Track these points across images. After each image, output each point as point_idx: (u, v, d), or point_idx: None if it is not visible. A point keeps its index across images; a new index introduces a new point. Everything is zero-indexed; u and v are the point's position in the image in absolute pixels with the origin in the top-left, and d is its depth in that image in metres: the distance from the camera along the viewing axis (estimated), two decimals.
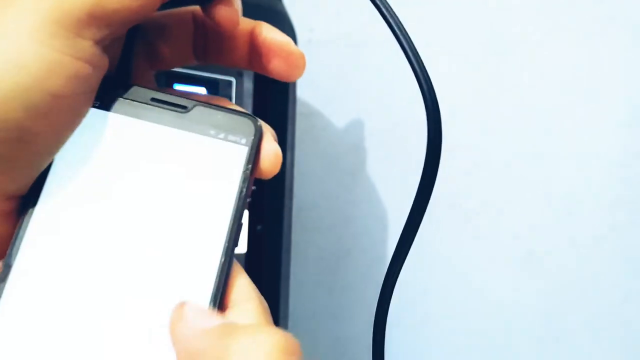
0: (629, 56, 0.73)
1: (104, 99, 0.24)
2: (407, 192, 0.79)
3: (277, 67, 0.27)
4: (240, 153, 0.25)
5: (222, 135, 0.25)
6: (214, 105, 0.25)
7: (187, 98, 0.25)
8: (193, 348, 0.20)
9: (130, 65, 0.26)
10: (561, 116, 0.75)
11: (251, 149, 0.25)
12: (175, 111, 0.25)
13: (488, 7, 0.74)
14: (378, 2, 0.26)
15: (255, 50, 0.27)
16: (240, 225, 0.24)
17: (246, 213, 0.25)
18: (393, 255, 0.29)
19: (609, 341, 0.77)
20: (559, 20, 0.74)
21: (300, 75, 0.27)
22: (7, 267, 0.22)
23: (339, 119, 0.77)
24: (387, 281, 0.29)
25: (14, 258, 0.22)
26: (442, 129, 0.25)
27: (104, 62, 0.23)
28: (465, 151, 0.75)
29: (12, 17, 0.20)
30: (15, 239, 0.22)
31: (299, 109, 0.62)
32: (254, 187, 0.25)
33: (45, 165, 0.22)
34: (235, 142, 0.25)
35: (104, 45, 0.22)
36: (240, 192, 0.24)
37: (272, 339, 0.20)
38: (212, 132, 0.25)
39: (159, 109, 0.24)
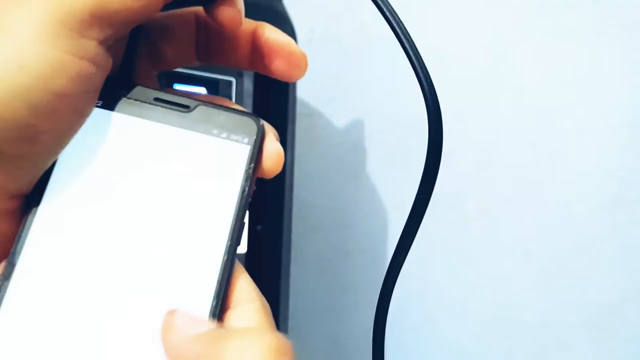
0: (629, 56, 0.73)
1: (107, 99, 0.24)
2: (407, 192, 0.79)
3: (279, 68, 0.27)
4: (242, 152, 0.25)
5: (224, 135, 0.25)
6: (217, 104, 0.25)
7: (189, 98, 0.25)
8: (186, 355, 0.20)
9: (133, 66, 0.26)
10: (561, 116, 0.75)
11: (253, 148, 0.25)
12: (178, 111, 0.25)
13: (489, 7, 0.74)
14: (380, 3, 0.26)
15: (257, 50, 0.27)
16: (242, 224, 0.24)
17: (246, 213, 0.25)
18: (393, 255, 0.29)
19: (609, 341, 0.77)
20: (560, 20, 0.74)
21: (302, 75, 0.27)
22: (11, 266, 0.22)
23: (339, 119, 0.77)
24: (387, 281, 0.29)
25: (18, 257, 0.22)
26: (443, 129, 0.25)
27: (108, 62, 0.23)
28: (466, 151, 0.75)
29: (16, 17, 0.20)
30: (19, 237, 0.22)
31: (299, 109, 0.62)
32: (254, 187, 0.25)
33: (49, 165, 0.23)
34: (237, 141, 0.25)
35: (108, 45, 0.22)
36: (243, 191, 0.24)
37: (264, 340, 0.20)
38: (214, 131, 0.25)
39: (162, 108, 0.25)
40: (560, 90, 0.74)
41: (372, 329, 0.31)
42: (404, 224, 0.29)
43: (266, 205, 0.52)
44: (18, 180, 0.22)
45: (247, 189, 0.24)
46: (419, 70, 0.25)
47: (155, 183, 0.24)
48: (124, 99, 0.24)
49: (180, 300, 0.22)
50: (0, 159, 0.21)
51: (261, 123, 0.25)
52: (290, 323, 0.59)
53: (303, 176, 0.76)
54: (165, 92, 0.25)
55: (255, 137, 0.25)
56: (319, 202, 0.79)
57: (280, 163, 0.25)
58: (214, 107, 0.25)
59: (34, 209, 0.22)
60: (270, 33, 0.27)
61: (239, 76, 0.50)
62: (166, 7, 0.24)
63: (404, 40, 0.25)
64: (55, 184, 0.23)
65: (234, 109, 0.26)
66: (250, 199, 0.25)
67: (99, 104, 0.24)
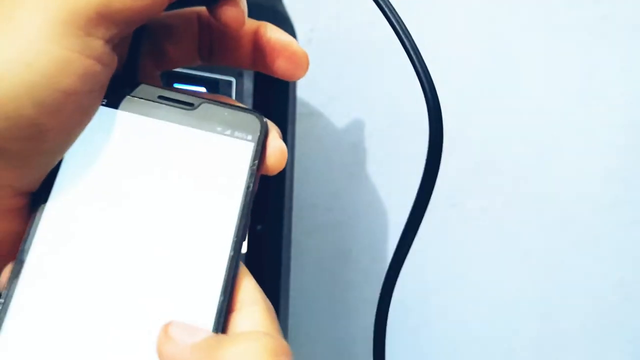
0: (629, 56, 0.73)
1: (112, 97, 0.24)
2: (407, 192, 0.79)
3: (281, 67, 0.27)
4: (246, 149, 0.25)
5: (228, 132, 0.25)
6: (221, 102, 0.26)
7: (193, 95, 0.25)
8: None
9: (137, 64, 0.26)
10: (561, 116, 0.75)
11: (257, 145, 0.25)
12: (182, 108, 0.25)
13: (489, 7, 0.74)
14: (381, 3, 0.26)
15: (259, 50, 0.27)
16: (247, 221, 0.24)
17: None
18: (394, 255, 0.29)
19: (609, 341, 0.77)
20: (560, 20, 0.74)
21: (303, 74, 0.28)
22: (20, 263, 0.22)
23: (339, 119, 0.77)
24: (388, 280, 0.29)
25: (27, 254, 0.22)
26: (443, 129, 0.25)
27: (113, 61, 0.23)
28: (466, 151, 0.75)
29: (23, 16, 0.21)
30: (27, 235, 0.22)
31: (299, 109, 0.62)
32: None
33: (56, 162, 0.23)
34: (241, 138, 0.25)
35: (113, 44, 0.23)
36: (247, 187, 0.24)
37: (262, 343, 0.20)
38: (218, 128, 0.25)
39: (167, 106, 0.25)
40: (560, 90, 0.74)
41: (372, 329, 0.31)
42: (404, 224, 0.29)
43: (266, 205, 0.52)
44: (25, 178, 0.22)
45: (251, 185, 0.24)
46: (420, 70, 0.25)
47: (160, 180, 0.24)
48: (128, 97, 0.25)
49: (187, 296, 0.23)
50: (8, 157, 0.21)
51: (264, 120, 0.26)
52: (290, 323, 0.59)
53: (303, 176, 0.76)
54: (170, 90, 0.25)
55: (259, 134, 0.25)
56: (319, 202, 0.78)
57: (283, 160, 0.26)
58: (218, 105, 0.25)
59: (41, 207, 0.23)
60: (272, 33, 0.27)
61: (239, 76, 0.50)
62: (170, 7, 0.24)
63: (405, 40, 0.25)
64: (62, 182, 0.23)
65: (237, 107, 0.26)
66: (254, 196, 0.25)
67: (104, 103, 0.24)
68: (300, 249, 0.76)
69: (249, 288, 0.24)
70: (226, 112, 0.25)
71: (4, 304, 0.21)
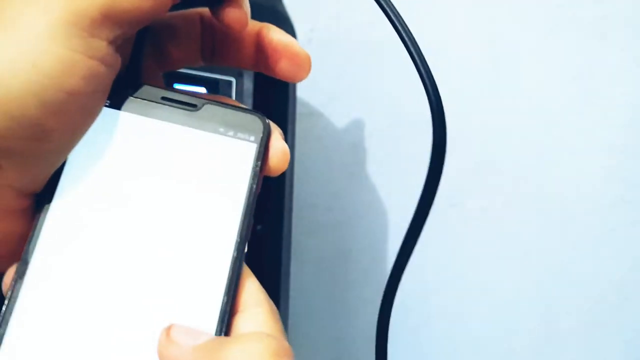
0: (629, 56, 0.73)
1: (116, 98, 0.24)
2: (407, 192, 0.79)
3: (283, 68, 0.27)
4: (249, 150, 0.25)
5: (231, 133, 0.25)
6: (223, 103, 0.26)
7: (197, 97, 0.26)
8: None
9: (140, 65, 0.26)
10: (561, 116, 0.75)
11: (260, 146, 0.25)
12: (186, 109, 0.25)
13: (489, 6, 0.74)
14: (383, 3, 0.26)
15: (261, 51, 0.27)
16: (251, 221, 0.24)
17: None
18: (396, 259, 0.29)
19: (608, 341, 0.77)
20: (560, 20, 0.74)
21: (305, 76, 0.28)
22: (25, 263, 0.22)
23: (339, 119, 0.77)
24: (391, 281, 0.29)
25: (31, 255, 0.22)
26: (446, 130, 0.25)
27: (117, 62, 0.23)
28: (466, 151, 0.75)
29: (29, 17, 0.21)
30: (32, 236, 0.22)
31: (299, 109, 0.62)
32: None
33: (60, 163, 0.23)
34: (244, 139, 0.25)
35: (117, 45, 0.23)
36: (250, 188, 0.24)
37: (262, 344, 0.20)
38: (221, 129, 0.25)
39: (170, 107, 0.25)
40: (560, 90, 0.74)
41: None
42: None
43: (266, 205, 0.52)
44: (29, 178, 0.22)
45: (254, 186, 0.24)
46: (423, 71, 0.25)
47: (163, 182, 0.24)
48: (131, 98, 0.25)
49: (190, 298, 0.23)
50: (12, 157, 0.21)
51: (267, 121, 0.26)
52: (290, 323, 0.59)
53: (303, 176, 0.76)
54: (173, 91, 0.25)
55: (261, 135, 0.25)
56: (319, 202, 0.78)
57: (286, 161, 0.26)
58: (220, 106, 0.26)
59: (45, 208, 0.23)
60: (274, 34, 0.27)
61: (239, 76, 0.50)
62: (173, 8, 0.24)
63: (408, 42, 0.25)
64: (66, 183, 0.23)
65: (240, 108, 0.26)
66: (257, 197, 0.25)
67: (107, 104, 0.24)
68: (300, 249, 0.76)
69: (252, 289, 0.24)
70: (229, 113, 0.25)
71: (8, 304, 0.22)
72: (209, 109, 0.25)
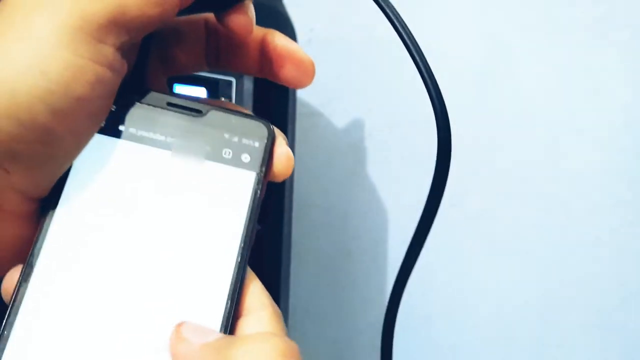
0: (629, 56, 0.73)
1: (122, 103, 0.24)
2: (407, 191, 0.79)
3: (287, 74, 0.28)
4: (254, 156, 0.25)
5: (236, 139, 0.25)
6: (228, 109, 0.26)
7: (202, 103, 0.26)
8: None
9: (145, 71, 0.26)
10: (561, 116, 0.75)
11: (264, 151, 0.25)
12: (191, 115, 0.25)
13: (489, 6, 0.74)
14: (382, 4, 0.26)
15: (266, 57, 0.28)
16: (255, 226, 0.24)
17: None
18: (402, 264, 0.29)
19: (609, 341, 0.77)
20: (560, 19, 0.74)
21: (310, 82, 0.28)
22: (30, 267, 0.22)
23: (339, 119, 0.77)
24: (398, 284, 0.29)
25: (36, 259, 0.22)
26: (451, 134, 0.25)
27: (123, 67, 0.23)
28: (466, 151, 0.75)
29: (37, 23, 0.21)
30: (37, 240, 0.22)
31: (299, 109, 0.62)
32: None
33: (65, 168, 0.23)
34: (249, 145, 0.25)
35: (124, 50, 0.23)
36: (254, 193, 0.25)
37: (272, 344, 0.20)
38: (226, 135, 0.25)
39: (175, 113, 0.25)
40: (560, 90, 0.74)
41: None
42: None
43: (266, 205, 0.52)
44: (36, 183, 0.22)
45: (258, 192, 0.25)
46: (426, 75, 0.25)
47: (168, 188, 0.24)
48: (137, 103, 0.25)
49: (194, 302, 0.23)
50: (20, 162, 0.21)
51: (272, 127, 0.26)
52: (290, 323, 0.59)
53: (303, 176, 0.76)
54: (178, 97, 0.26)
55: (266, 141, 0.25)
56: (319, 202, 0.78)
57: (290, 166, 0.26)
58: (226, 112, 0.26)
59: (51, 212, 0.23)
60: (279, 40, 0.27)
61: (239, 76, 0.50)
62: (179, 13, 0.24)
63: (410, 45, 0.25)
64: (72, 188, 0.23)
65: (245, 114, 0.26)
66: (261, 202, 0.25)
67: (113, 109, 0.24)
68: (300, 249, 0.76)
69: (256, 293, 0.24)
70: (234, 119, 0.25)
71: (12, 307, 0.22)
72: (214, 115, 0.25)
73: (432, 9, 0.75)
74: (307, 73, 0.28)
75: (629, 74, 0.74)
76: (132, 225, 0.23)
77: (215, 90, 0.49)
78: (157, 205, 0.24)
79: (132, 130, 0.24)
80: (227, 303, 0.23)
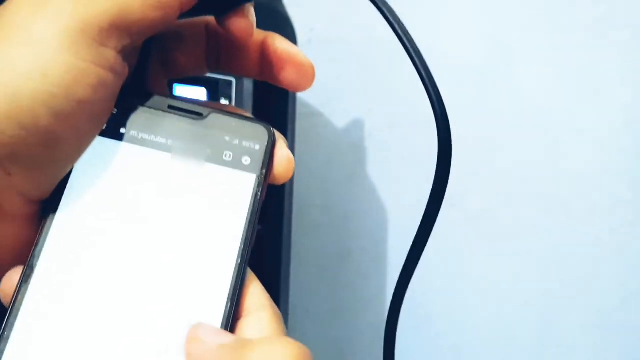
0: (629, 56, 0.73)
1: (122, 106, 0.25)
2: (407, 191, 0.79)
3: (287, 77, 0.28)
4: (254, 158, 0.25)
5: (236, 141, 0.25)
6: (229, 112, 0.26)
7: (202, 106, 0.26)
8: None
9: (146, 73, 0.26)
10: (561, 116, 0.75)
11: (265, 154, 0.25)
12: (192, 118, 0.25)
13: (489, 7, 0.74)
14: (380, 5, 0.26)
15: (266, 60, 0.28)
16: (255, 228, 0.25)
17: None
18: (403, 266, 0.29)
19: (609, 341, 0.77)
20: (560, 20, 0.74)
21: (309, 85, 0.28)
22: (30, 269, 0.22)
23: (339, 119, 0.77)
24: (398, 288, 0.29)
25: (37, 261, 0.22)
26: (451, 137, 0.25)
27: (125, 70, 0.23)
28: (466, 151, 0.75)
29: (39, 26, 0.21)
30: (38, 242, 0.23)
31: (299, 109, 0.62)
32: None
33: (67, 171, 0.23)
34: (249, 147, 0.25)
35: (125, 53, 0.23)
36: (255, 196, 0.25)
37: (287, 349, 0.21)
38: (227, 138, 0.25)
39: (176, 116, 0.25)
40: (560, 90, 0.74)
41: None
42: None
43: (266, 205, 0.52)
44: (38, 185, 0.22)
45: (259, 194, 0.25)
46: (425, 76, 0.25)
47: (168, 190, 0.24)
48: (138, 106, 0.25)
49: (195, 304, 0.23)
50: (22, 164, 0.21)
51: (272, 130, 0.26)
52: (290, 323, 0.59)
53: (303, 176, 0.76)
54: (179, 99, 0.26)
55: (266, 143, 0.26)
56: (319, 202, 0.79)
57: (291, 169, 0.26)
58: (226, 115, 0.26)
59: (52, 215, 0.23)
60: (279, 43, 0.27)
61: (239, 76, 0.50)
62: (180, 17, 0.24)
63: (411, 50, 0.25)
64: (73, 191, 0.23)
65: (246, 117, 0.26)
66: (262, 204, 0.25)
67: (114, 112, 0.24)
68: (300, 249, 0.76)
69: (256, 294, 0.24)
70: (234, 122, 0.26)
71: (13, 309, 0.22)
72: (215, 118, 0.26)
73: (432, 9, 0.75)
74: (307, 76, 0.28)
75: (629, 74, 0.74)
76: (133, 227, 0.23)
77: (216, 90, 0.49)
78: (158, 207, 0.24)
79: (133, 132, 0.25)
80: (227, 304, 0.23)
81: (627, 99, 0.74)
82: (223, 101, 0.48)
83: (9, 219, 0.23)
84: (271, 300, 0.24)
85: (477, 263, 0.77)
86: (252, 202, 0.25)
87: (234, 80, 0.50)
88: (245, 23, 0.26)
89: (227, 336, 0.22)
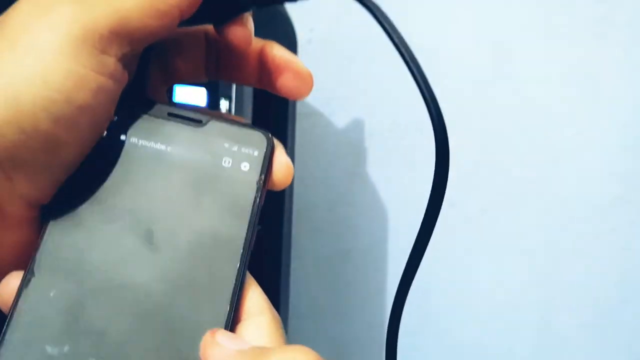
0: (629, 56, 0.74)
1: (123, 113, 0.25)
2: (407, 191, 0.79)
3: (285, 84, 0.28)
4: (253, 165, 0.26)
5: (235, 148, 0.26)
6: (228, 119, 0.26)
7: (202, 113, 0.26)
8: None
9: (146, 80, 0.27)
10: (561, 116, 0.75)
11: (264, 160, 0.26)
12: (191, 125, 0.26)
13: (489, 7, 0.74)
14: (371, 6, 0.26)
15: (264, 68, 0.28)
16: (255, 233, 0.25)
17: None
18: (407, 261, 0.29)
19: (609, 342, 0.77)
20: (560, 20, 0.74)
21: (308, 93, 0.28)
22: (31, 273, 0.22)
23: (339, 119, 0.77)
24: (400, 289, 0.29)
25: (38, 264, 0.23)
26: (448, 142, 0.25)
27: (124, 77, 0.24)
28: (466, 151, 0.75)
29: (41, 33, 0.21)
30: (39, 246, 0.23)
31: (299, 109, 0.62)
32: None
33: (67, 175, 0.23)
34: (248, 154, 0.26)
35: (125, 60, 0.23)
36: (254, 202, 0.25)
37: (305, 356, 0.21)
38: (226, 145, 0.26)
39: (176, 123, 0.26)
40: (560, 89, 0.74)
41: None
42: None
43: (266, 205, 0.52)
44: (38, 189, 0.23)
45: (258, 200, 0.25)
46: (423, 85, 0.25)
47: (169, 194, 0.24)
48: (138, 114, 0.25)
49: (195, 307, 0.23)
50: (23, 169, 0.22)
51: (271, 137, 0.26)
52: (290, 323, 0.59)
53: (303, 176, 0.76)
54: (178, 107, 0.26)
55: (265, 150, 0.26)
56: (319, 202, 0.79)
57: (289, 175, 0.26)
58: (225, 122, 0.26)
59: (52, 218, 0.23)
60: (277, 51, 0.28)
61: None
62: (179, 25, 0.25)
63: (403, 51, 0.25)
64: (73, 195, 0.24)
65: (245, 124, 0.27)
66: (261, 210, 0.25)
67: (114, 119, 0.25)
68: (300, 249, 0.76)
69: (255, 298, 0.24)
70: (234, 129, 0.26)
71: (13, 313, 0.22)
72: (214, 125, 0.26)
73: (432, 9, 0.75)
74: (306, 84, 0.28)
75: (629, 74, 0.74)
76: (134, 232, 0.24)
77: (216, 90, 0.49)
78: (158, 213, 0.24)
79: (133, 139, 0.25)
80: (227, 308, 0.23)
81: (627, 99, 0.74)
82: (223, 101, 0.48)
83: (10, 223, 0.23)
84: (270, 304, 0.24)
85: (477, 263, 0.77)
86: (252, 207, 0.25)
87: None
88: (244, 32, 0.26)
89: (245, 343, 0.22)
